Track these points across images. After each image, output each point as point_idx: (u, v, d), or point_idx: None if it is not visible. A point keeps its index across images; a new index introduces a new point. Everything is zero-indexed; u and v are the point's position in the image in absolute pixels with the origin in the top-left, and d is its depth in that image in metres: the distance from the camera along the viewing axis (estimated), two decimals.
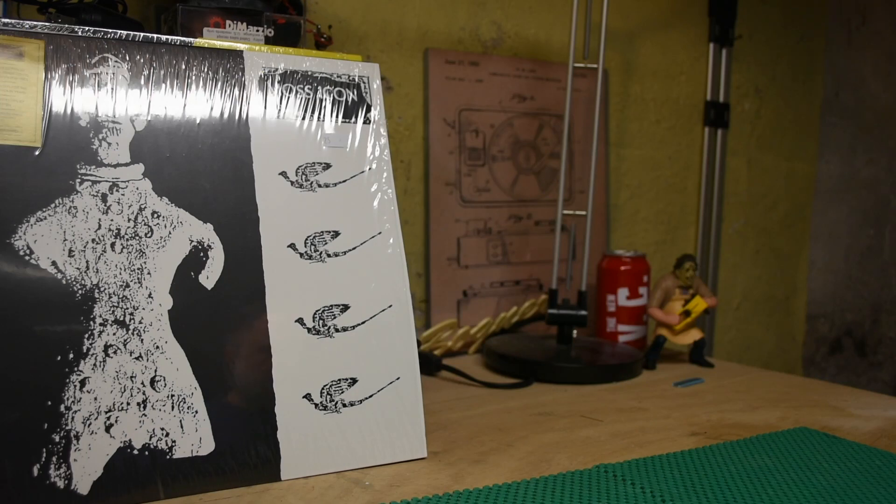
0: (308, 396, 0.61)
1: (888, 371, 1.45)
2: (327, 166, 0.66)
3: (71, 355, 0.54)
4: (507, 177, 1.14)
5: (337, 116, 0.67)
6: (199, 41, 0.64)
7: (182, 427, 0.57)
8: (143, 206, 0.59)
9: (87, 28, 0.60)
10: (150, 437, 0.56)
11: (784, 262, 1.54)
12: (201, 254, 0.60)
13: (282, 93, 0.65)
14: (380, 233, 0.67)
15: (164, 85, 0.61)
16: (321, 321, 0.63)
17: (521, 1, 1.15)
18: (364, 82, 0.69)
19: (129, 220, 0.58)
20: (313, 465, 0.60)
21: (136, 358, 0.56)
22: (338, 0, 1.00)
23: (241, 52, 0.65)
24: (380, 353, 0.65)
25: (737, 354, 1.49)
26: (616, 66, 1.27)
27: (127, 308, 0.57)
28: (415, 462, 0.64)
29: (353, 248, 0.65)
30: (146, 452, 0.56)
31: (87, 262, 0.56)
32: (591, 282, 1.13)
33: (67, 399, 0.54)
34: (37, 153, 0.56)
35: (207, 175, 0.61)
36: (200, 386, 0.58)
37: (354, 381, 0.63)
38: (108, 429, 0.55)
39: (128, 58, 0.60)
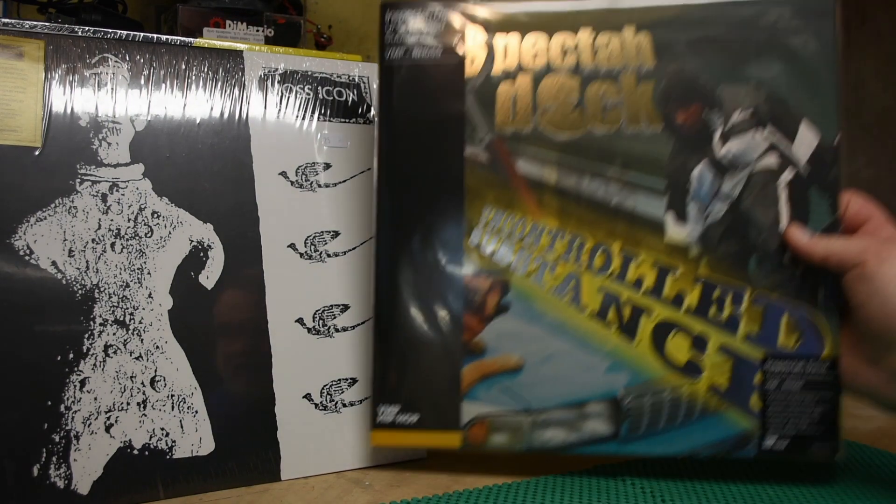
0: (308, 396, 0.61)
1: None
2: (327, 166, 0.66)
3: (71, 355, 0.54)
4: None
5: (337, 116, 0.67)
6: (199, 41, 0.64)
7: (182, 427, 0.57)
8: (143, 206, 0.59)
9: (87, 28, 0.60)
10: (150, 437, 0.56)
11: None
12: (201, 254, 0.60)
13: (282, 93, 0.65)
14: None
15: (164, 85, 0.61)
16: (321, 321, 0.63)
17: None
18: (364, 82, 0.69)
19: (129, 220, 0.58)
20: (313, 465, 0.60)
21: (136, 358, 0.56)
22: (338, 0, 1.00)
23: (241, 52, 0.65)
24: None
25: None
26: None
27: (127, 308, 0.57)
28: (415, 462, 0.64)
29: (353, 248, 0.65)
30: (146, 452, 0.56)
31: (87, 262, 0.56)
32: None
33: (67, 399, 0.54)
34: (37, 153, 0.56)
35: (207, 175, 0.61)
36: (200, 386, 0.58)
37: (354, 381, 0.63)
38: (108, 429, 0.55)
39: (128, 58, 0.60)
